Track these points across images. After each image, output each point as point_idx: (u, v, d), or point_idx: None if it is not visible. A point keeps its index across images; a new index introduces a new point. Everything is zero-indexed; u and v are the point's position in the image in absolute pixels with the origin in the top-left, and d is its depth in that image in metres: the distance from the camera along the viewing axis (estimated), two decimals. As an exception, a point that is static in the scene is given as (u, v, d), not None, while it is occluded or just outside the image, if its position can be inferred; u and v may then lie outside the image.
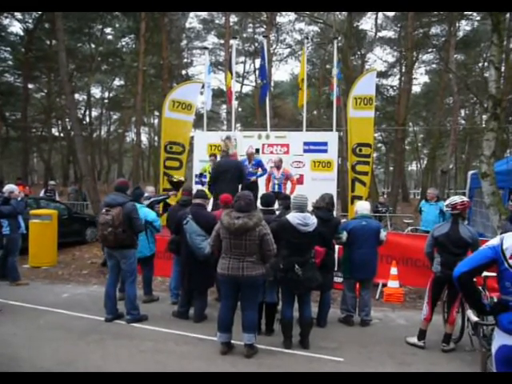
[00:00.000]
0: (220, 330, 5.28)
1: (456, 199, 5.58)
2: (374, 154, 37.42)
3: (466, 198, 5.73)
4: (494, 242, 2.88)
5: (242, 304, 5.34)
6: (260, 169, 10.18)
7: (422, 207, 10.01)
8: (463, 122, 35.75)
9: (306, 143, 11.82)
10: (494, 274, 3.06)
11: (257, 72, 30.04)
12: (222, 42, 32.45)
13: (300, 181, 11.13)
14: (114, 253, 6.38)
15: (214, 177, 8.88)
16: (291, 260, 5.32)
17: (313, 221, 5.43)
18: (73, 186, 20.49)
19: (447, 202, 5.68)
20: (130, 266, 6.44)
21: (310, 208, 6.38)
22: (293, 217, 5.38)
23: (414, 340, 5.64)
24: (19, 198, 8.78)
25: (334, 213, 6.97)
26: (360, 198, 10.69)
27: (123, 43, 33.53)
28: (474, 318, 3.25)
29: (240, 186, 9.54)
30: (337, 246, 7.02)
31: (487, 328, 4.29)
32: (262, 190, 9.75)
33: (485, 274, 5.00)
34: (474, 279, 3.00)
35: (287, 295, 5.55)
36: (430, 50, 29.74)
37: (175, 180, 9.42)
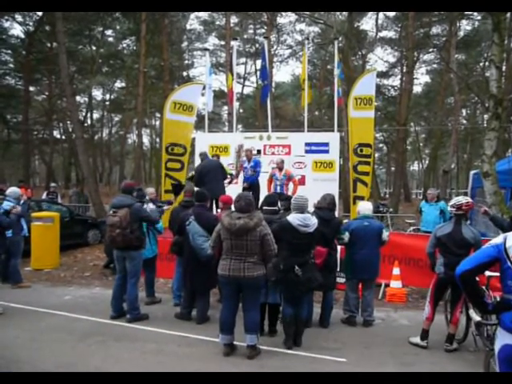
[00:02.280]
0: (222, 331, 5.27)
1: (461, 200, 5.57)
2: (376, 155, 37.47)
3: (470, 199, 5.73)
4: (496, 240, 2.88)
5: (243, 305, 5.33)
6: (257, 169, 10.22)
7: (422, 208, 9.98)
8: (465, 121, 35.77)
9: (307, 144, 11.81)
10: (497, 274, 3.06)
11: (258, 73, 30.02)
12: (223, 43, 32.53)
13: (302, 181, 11.12)
14: (122, 254, 6.47)
15: (200, 178, 9.33)
16: (291, 261, 5.32)
17: (313, 222, 5.43)
18: (74, 188, 20.51)
19: (452, 202, 5.65)
20: (135, 267, 6.52)
21: (311, 209, 6.39)
22: (293, 218, 5.38)
23: (417, 340, 5.62)
24: (22, 201, 8.79)
25: (336, 213, 6.97)
26: (362, 198, 10.69)
27: (124, 45, 33.62)
28: (477, 318, 3.24)
29: (243, 187, 9.65)
30: (339, 247, 7.01)
31: (491, 328, 4.28)
32: (263, 191, 9.78)
33: (488, 273, 4.99)
34: (477, 278, 2.99)
35: (287, 294, 5.55)
36: (430, 49, 29.71)
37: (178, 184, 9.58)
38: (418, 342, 5.60)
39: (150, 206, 7.55)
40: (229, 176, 10.28)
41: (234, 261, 5.08)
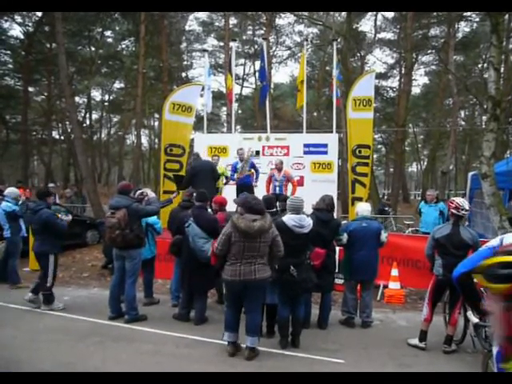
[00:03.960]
0: (227, 329, 5.27)
1: (466, 203, 5.58)
2: (375, 156, 37.49)
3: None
4: (493, 242, 2.88)
5: (245, 305, 5.33)
6: (253, 170, 10.20)
7: (422, 209, 10.00)
8: (463, 123, 35.81)
9: (306, 145, 11.81)
10: None
11: (256, 74, 30.05)
12: (222, 44, 32.53)
13: (300, 182, 11.11)
14: (122, 253, 6.48)
15: (189, 179, 9.27)
16: (286, 261, 5.33)
17: (308, 222, 5.44)
18: (69, 189, 20.40)
19: (460, 203, 5.54)
20: (133, 267, 6.54)
21: (309, 210, 6.39)
22: (288, 218, 5.39)
23: (416, 341, 5.63)
24: (20, 201, 8.79)
25: (335, 214, 6.97)
26: (360, 199, 10.69)
27: (123, 46, 33.56)
28: (474, 320, 3.25)
29: (235, 189, 9.62)
30: (337, 248, 7.01)
31: (489, 329, 4.28)
32: (262, 192, 9.78)
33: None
34: (475, 280, 2.99)
35: (283, 295, 5.55)
36: (429, 51, 29.76)
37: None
38: (417, 344, 5.60)
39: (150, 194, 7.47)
40: (225, 178, 10.32)
41: (245, 265, 5.04)
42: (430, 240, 5.75)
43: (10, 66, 30.01)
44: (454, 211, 5.52)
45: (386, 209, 15.26)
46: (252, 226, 4.93)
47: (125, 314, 6.53)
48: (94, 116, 40.52)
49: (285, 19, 32.11)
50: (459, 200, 5.62)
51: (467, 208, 5.51)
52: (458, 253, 5.28)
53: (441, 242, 5.50)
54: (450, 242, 5.42)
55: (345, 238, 6.35)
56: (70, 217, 7.79)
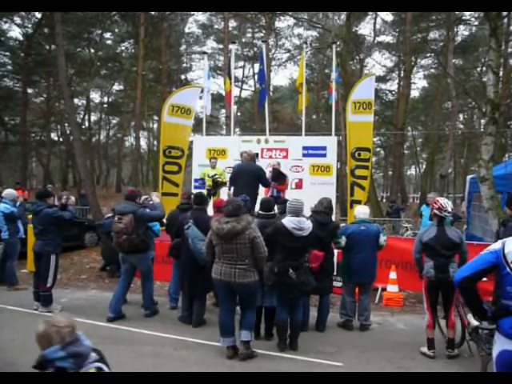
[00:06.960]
0: (223, 334, 5.27)
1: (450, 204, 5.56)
2: (373, 159, 37.49)
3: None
4: (495, 246, 2.86)
5: (240, 307, 5.39)
6: None
7: (423, 211, 10.02)
8: (462, 126, 35.91)
9: (305, 147, 11.80)
10: (484, 279, 3.03)
11: (255, 77, 30.09)
12: (221, 46, 32.59)
13: (299, 185, 11.12)
14: (128, 257, 6.72)
15: (232, 180, 8.58)
16: (285, 264, 5.33)
17: (308, 225, 5.43)
18: (64, 192, 20.34)
19: (444, 205, 5.52)
20: (146, 268, 6.91)
21: (308, 213, 6.39)
22: (288, 221, 5.38)
23: (425, 350, 5.53)
24: (18, 203, 8.78)
25: (333, 217, 6.96)
26: (359, 202, 10.67)
27: (122, 48, 33.66)
28: (475, 323, 3.24)
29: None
30: (336, 251, 7.00)
31: (483, 331, 4.26)
32: (260, 194, 9.78)
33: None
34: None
35: (282, 298, 5.55)
36: (428, 54, 29.88)
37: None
38: (426, 352, 5.48)
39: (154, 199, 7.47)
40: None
41: (226, 265, 5.10)
42: (417, 243, 5.64)
43: (9, 67, 30.05)
44: (436, 212, 5.43)
45: (402, 207, 15.29)
46: (221, 228, 5.00)
47: (145, 309, 6.91)
48: (93, 118, 40.56)
49: (284, 22, 32.31)
50: (443, 201, 5.53)
51: (450, 210, 5.44)
52: (448, 253, 5.28)
53: (429, 244, 5.41)
54: (439, 244, 5.35)
55: (343, 240, 6.34)
56: (72, 198, 7.88)
